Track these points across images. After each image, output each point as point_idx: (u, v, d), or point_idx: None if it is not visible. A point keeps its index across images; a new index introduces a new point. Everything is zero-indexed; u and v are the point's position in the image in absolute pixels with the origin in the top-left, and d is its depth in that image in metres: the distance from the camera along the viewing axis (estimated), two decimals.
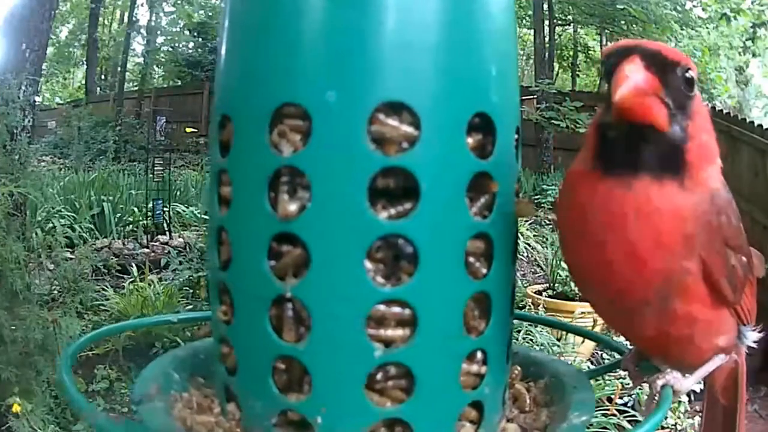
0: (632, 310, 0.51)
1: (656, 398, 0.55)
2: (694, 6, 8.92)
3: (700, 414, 0.76)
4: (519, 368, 0.59)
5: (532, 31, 9.48)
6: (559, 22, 9.61)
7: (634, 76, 0.46)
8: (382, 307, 0.45)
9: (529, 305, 3.30)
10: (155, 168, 5.37)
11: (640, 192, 0.48)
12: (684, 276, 0.49)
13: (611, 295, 0.52)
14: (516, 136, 0.52)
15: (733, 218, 0.53)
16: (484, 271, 0.48)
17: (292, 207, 0.45)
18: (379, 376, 0.46)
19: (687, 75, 0.49)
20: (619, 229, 0.48)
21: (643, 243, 0.48)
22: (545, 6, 8.75)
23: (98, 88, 13.88)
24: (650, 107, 0.47)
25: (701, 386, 0.67)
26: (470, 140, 0.47)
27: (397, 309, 0.45)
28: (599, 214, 0.49)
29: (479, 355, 0.49)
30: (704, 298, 0.51)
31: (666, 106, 0.48)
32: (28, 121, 3.49)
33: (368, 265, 0.45)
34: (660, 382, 0.54)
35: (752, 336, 0.60)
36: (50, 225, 4.58)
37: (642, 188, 0.48)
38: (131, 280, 3.81)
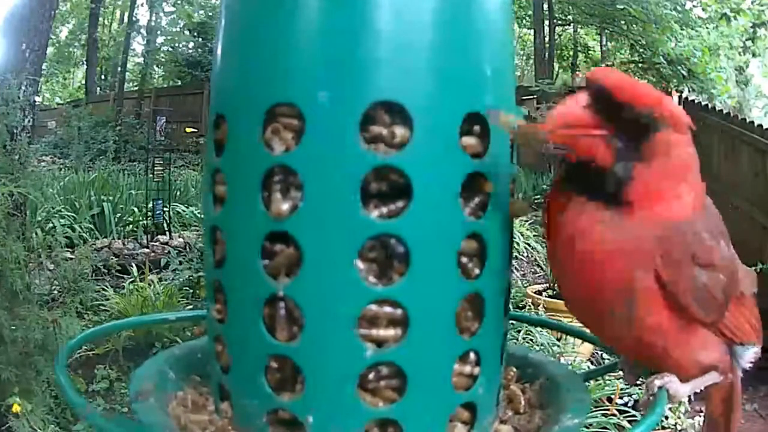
0: (600, 314, 0.53)
1: (652, 398, 0.54)
2: (694, 6, 8.91)
3: (701, 414, 0.76)
4: (515, 369, 0.59)
5: (532, 31, 9.48)
6: (559, 22, 9.61)
7: (568, 111, 0.48)
8: (373, 307, 0.45)
9: (529, 305, 3.30)
10: (155, 168, 5.37)
11: (585, 214, 0.51)
12: (637, 290, 0.51)
13: (579, 303, 0.55)
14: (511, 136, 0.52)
15: (707, 238, 0.53)
16: (477, 271, 0.48)
17: (285, 206, 0.45)
18: (371, 375, 0.46)
19: (640, 118, 0.48)
20: (571, 246, 0.52)
21: (586, 262, 0.51)
22: (545, 6, 8.75)
23: (98, 88, 13.88)
24: (582, 142, 0.49)
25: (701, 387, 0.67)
26: (464, 140, 0.47)
27: (388, 309, 0.45)
28: (561, 229, 0.52)
29: (472, 356, 0.49)
30: (670, 312, 0.52)
31: (609, 144, 0.49)
32: (28, 121, 3.49)
33: (360, 264, 0.45)
34: (657, 383, 0.54)
35: (747, 356, 0.60)
36: (50, 225, 4.58)
37: (589, 210, 0.50)
38: (131, 280, 3.81)
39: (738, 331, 0.57)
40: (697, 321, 0.54)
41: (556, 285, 3.46)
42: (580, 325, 0.60)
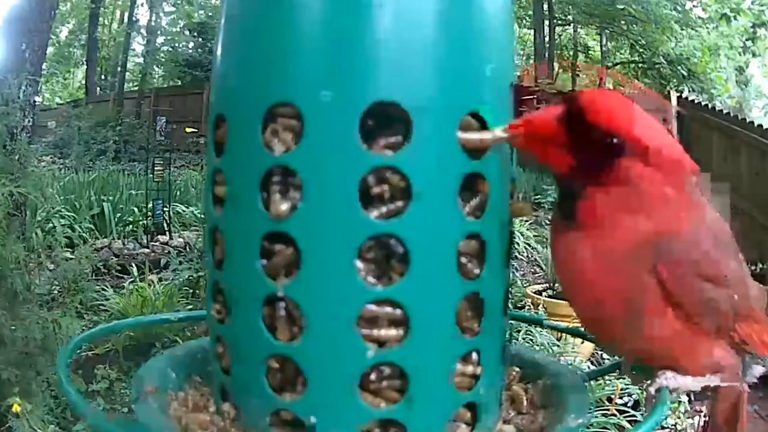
0: (605, 323, 0.54)
1: (654, 400, 0.54)
2: (694, 6, 8.92)
3: (701, 414, 0.77)
4: (518, 369, 0.59)
5: (532, 31, 9.48)
6: (559, 22, 9.62)
7: (537, 117, 0.49)
8: (373, 307, 0.45)
9: (529, 305, 3.30)
10: (155, 168, 5.37)
11: (564, 235, 0.53)
12: (638, 301, 0.51)
13: (584, 313, 0.56)
14: None
15: (713, 253, 0.54)
16: (477, 271, 0.48)
17: (284, 206, 0.45)
18: (373, 376, 0.46)
19: (606, 141, 0.48)
20: (562, 266, 0.54)
21: (574, 277, 0.53)
22: (545, 6, 8.75)
23: (98, 88, 13.89)
24: (540, 147, 0.49)
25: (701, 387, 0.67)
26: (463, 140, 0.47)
27: (388, 309, 0.45)
28: (553, 251, 0.55)
29: (474, 355, 0.49)
30: (676, 322, 0.52)
31: (567, 158, 0.49)
32: (28, 121, 3.49)
33: (359, 264, 0.45)
34: (653, 388, 0.54)
35: (757, 370, 0.60)
36: (50, 225, 4.58)
37: (567, 231, 0.52)
38: (131, 280, 3.81)
39: (749, 342, 0.57)
40: (705, 333, 0.54)
41: (556, 285, 3.46)
42: (581, 325, 0.61)
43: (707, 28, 8.71)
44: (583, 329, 0.62)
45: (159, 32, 13.33)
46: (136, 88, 13.32)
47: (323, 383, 0.45)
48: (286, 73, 0.45)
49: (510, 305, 0.55)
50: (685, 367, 0.55)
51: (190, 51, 12.59)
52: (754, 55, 9.75)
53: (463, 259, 0.47)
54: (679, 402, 2.37)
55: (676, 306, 0.52)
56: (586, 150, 0.49)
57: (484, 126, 0.48)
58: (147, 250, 4.82)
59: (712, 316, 0.54)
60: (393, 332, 0.45)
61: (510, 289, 0.55)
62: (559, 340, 2.73)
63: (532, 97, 7.09)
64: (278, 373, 0.47)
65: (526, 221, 5.22)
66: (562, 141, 0.49)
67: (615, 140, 0.48)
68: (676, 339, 0.53)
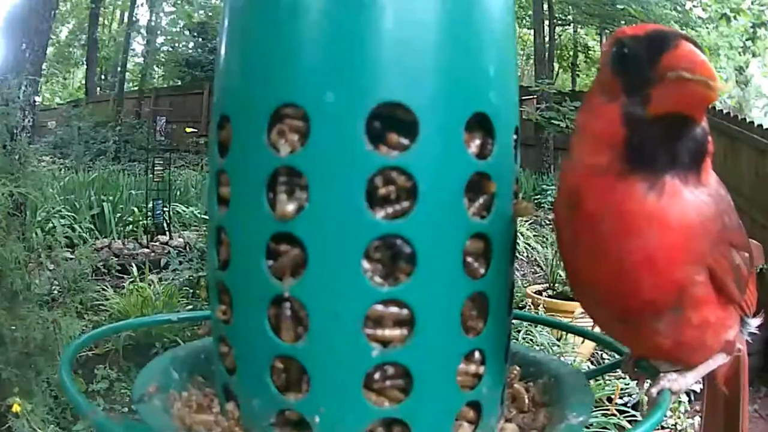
0: (641, 322, 0.50)
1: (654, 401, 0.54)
2: (694, 6, 8.92)
3: (701, 414, 0.75)
4: (518, 368, 0.59)
5: (532, 31, 9.48)
6: (559, 22, 9.62)
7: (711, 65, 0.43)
8: (379, 307, 0.45)
9: (529, 305, 3.30)
10: (155, 168, 5.38)
11: (666, 193, 0.45)
12: (696, 286, 0.47)
13: (617, 309, 0.49)
14: (515, 137, 0.52)
15: (734, 216, 0.51)
16: (482, 271, 0.48)
17: (290, 207, 0.45)
18: (377, 375, 0.46)
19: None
20: (638, 235, 0.45)
21: (664, 250, 0.45)
22: (545, 6, 8.75)
23: (98, 88, 13.89)
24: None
25: (701, 386, 0.66)
26: (468, 140, 0.47)
27: (394, 309, 0.45)
28: (616, 217, 0.45)
29: (477, 355, 0.49)
30: (714, 302, 0.50)
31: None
32: (28, 121, 3.49)
33: (366, 265, 0.45)
34: (654, 390, 0.54)
35: (754, 322, 0.59)
36: (50, 225, 4.58)
37: (669, 189, 0.45)
38: (131, 280, 3.81)
39: (752, 304, 0.56)
40: (731, 303, 0.52)
41: (556, 285, 3.46)
42: (580, 325, 0.60)
43: (707, 28, 8.72)
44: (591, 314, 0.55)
45: (159, 32, 13.33)
46: (136, 88, 13.32)
47: (328, 383, 0.45)
48: (292, 75, 0.45)
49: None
50: (710, 347, 0.52)
51: (190, 51, 12.57)
52: (754, 55, 9.75)
53: (469, 259, 0.47)
54: (679, 402, 2.37)
55: (714, 283, 0.48)
56: None
57: (487, 126, 0.48)
58: (147, 250, 4.82)
59: (739, 282, 0.51)
60: (397, 332, 0.45)
61: (513, 288, 0.54)
62: (559, 339, 2.73)
63: (532, 97, 7.10)
64: (283, 373, 0.47)
65: (526, 221, 5.23)
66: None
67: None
68: (713, 318, 0.50)
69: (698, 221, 0.46)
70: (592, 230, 0.47)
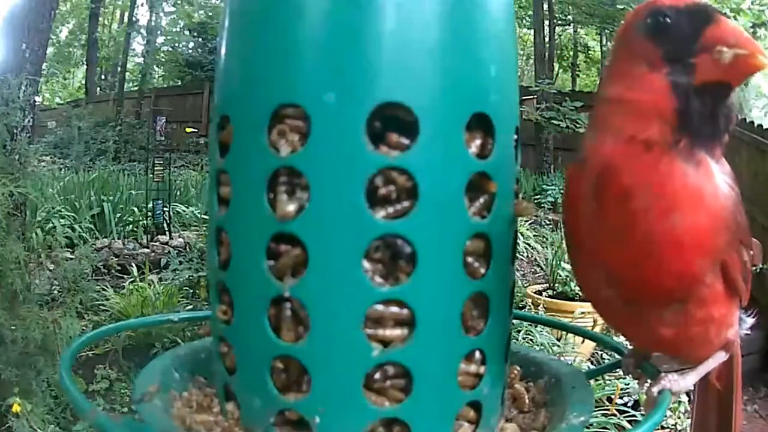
0: (649, 307, 0.49)
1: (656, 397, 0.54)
2: None
3: (690, 412, 0.74)
4: (519, 368, 0.59)
5: (532, 31, 9.48)
6: (559, 22, 9.62)
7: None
8: (380, 307, 0.45)
9: (529, 305, 3.30)
10: (155, 168, 5.38)
11: (702, 170, 0.43)
12: (708, 279, 0.47)
13: (629, 289, 0.48)
14: (515, 137, 0.52)
15: (743, 211, 0.50)
16: (483, 271, 0.48)
17: (291, 207, 0.45)
18: (377, 375, 0.46)
19: None
20: (676, 213, 0.43)
21: (696, 231, 0.43)
22: (545, 6, 8.75)
23: (98, 88, 13.89)
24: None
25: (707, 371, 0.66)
26: (469, 140, 0.47)
27: (395, 309, 0.45)
28: (656, 192, 0.43)
29: (477, 355, 0.49)
30: (720, 298, 0.49)
31: None
32: (28, 121, 3.49)
33: (366, 265, 0.45)
34: (655, 389, 0.54)
35: (749, 321, 0.58)
36: (50, 225, 4.58)
37: (704, 166, 0.43)
38: (131, 280, 3.81)
39: (746, 299, 0.56)
40: (735, 298, 0.52)
41: (556, 285, 3.47)
42: (580, 325, 0.60)
43: None
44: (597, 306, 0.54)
45: (159, 32, 13.32)
46: (136, 88, 13.31)
47: (328, 383, 0.45)
48: (293, 75, 0.45)
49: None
50: (711, 341, 0.52)
51: (190, 51, 12.57)
52: None
53: (469, 259, 0.47)
54: (679, 402, 2.37)
55: (725, 277, 0.48)
56: None
57: (487, 126, 0.48)
58: (147, 250, 4.82)
59: (745, 279, 0.51)
60: (398, 332, 0.45)
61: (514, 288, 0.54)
62: (559, 339, 2.73)
63: (532, 97, 7.10)
64: (283, 373, 0.47)
65: (526, 221, 5.23)
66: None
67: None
68: (719, 308, 0.49)
69: (729, 205, 0.45)
70: (623, 206, 0.45)
